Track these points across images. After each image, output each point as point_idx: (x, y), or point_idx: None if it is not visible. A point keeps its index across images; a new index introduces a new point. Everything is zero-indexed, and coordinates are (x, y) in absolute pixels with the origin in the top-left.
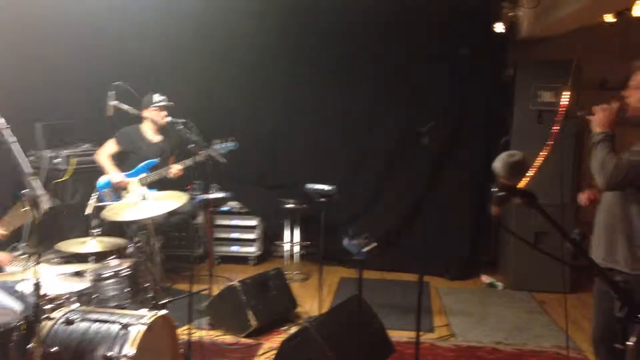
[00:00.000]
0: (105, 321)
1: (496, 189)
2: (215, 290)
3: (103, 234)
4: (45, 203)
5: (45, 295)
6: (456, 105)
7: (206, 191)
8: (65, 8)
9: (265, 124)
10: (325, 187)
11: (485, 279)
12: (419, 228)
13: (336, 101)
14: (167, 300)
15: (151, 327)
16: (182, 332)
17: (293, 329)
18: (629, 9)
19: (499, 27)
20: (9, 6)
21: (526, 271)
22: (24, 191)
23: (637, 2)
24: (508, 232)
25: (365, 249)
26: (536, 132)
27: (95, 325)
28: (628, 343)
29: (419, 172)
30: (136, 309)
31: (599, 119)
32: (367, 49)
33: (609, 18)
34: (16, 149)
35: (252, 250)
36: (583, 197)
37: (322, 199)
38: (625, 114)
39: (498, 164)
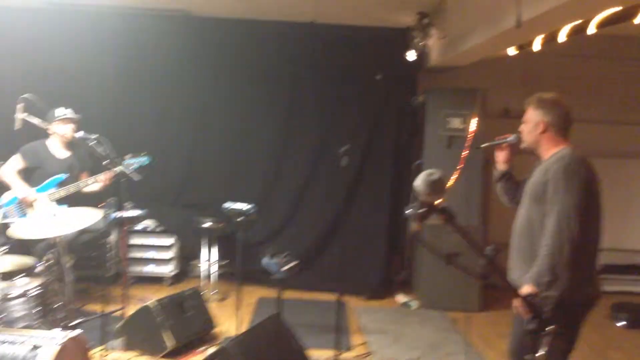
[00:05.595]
0: (13, 342)
1: (414, 207)
2: (130, 311)
3: (9, 252)
4: None
5: None
6: (368, 128)
7: (120, 209)
8: None
9: (181, 142)
10: (243, 206)
11: (400, 298)
12: (333, 248)
13: (253, 120)
14: (79, 321)
15: (63, 348)
16: (96, 354)
17: (210, 350)
18: (530, 44)
19: (411, 56)
20: None
21: (439, 291)
22: None
23: (536, 37)
24: (426, 248)
25: (285, 268)
26: (446, 156)
27: (2, 347)
28: (537, 355)
29: (333, 192)
30: (46, 330)
31: (497, 158)
32: (284, 70)
33: (511, 51)
34: None
35: (167, 270)
36: None
37: (240, 218)
38: (520, 145)
39: (418, 182)
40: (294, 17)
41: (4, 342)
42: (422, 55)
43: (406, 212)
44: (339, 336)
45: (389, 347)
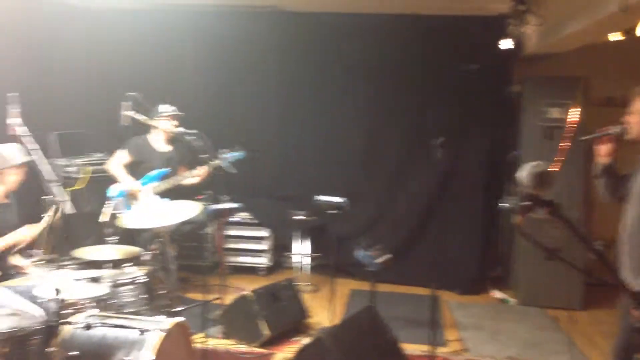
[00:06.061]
0: (124, 326)
1: (517, 200)
2: (227, 300)
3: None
4: (67, 209)
5: (64, 300)
6: (463, 120)
7: (217, 201)
8: (79, 21)
9: (274, 135)
10: (335, 199)
11: (496, 294)
12: (426, 241)
13: (345, 113)
14: (181, 308)
15: (169, 333)
16: (196, 340)
17: (305, 340)
18: (634, 29)
19: (506, 44)
20: (24, 18)
21: (538, 287)
22: (45, 197)
23: None
24: (529, 241)
25: (378, 261)
26: (545, 147)
27: (114, 330)
28: None
29: (426, 185)
30: (152, 316)
31: (599, 151)
32: (375, 63)
33: (614, 36)
34: (38, 156)
35: (262, 261)
36: None
37: (332, 211)
38: (625, 137)
39: (523, 173)
40: (386, 9)
41: (115, 326)
42: (519, 43)
43: (503, 204)
44: (433, 331)
45: (486, 344)
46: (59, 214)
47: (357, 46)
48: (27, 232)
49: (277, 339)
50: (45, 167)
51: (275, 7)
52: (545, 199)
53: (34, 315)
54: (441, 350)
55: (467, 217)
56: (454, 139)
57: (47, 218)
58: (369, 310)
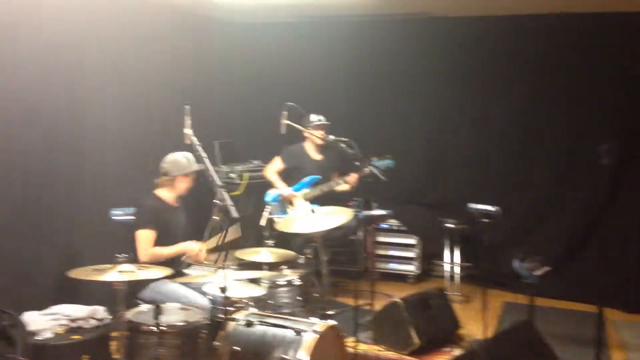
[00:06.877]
0: (281, 326)
1: None
2: (376, 306)
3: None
4: (233, 213)
5: (229, 298)
6: (633, 122)
7: (367, 208)
8: (238, 37)
9: (423, 142)
10: (489, 208)
11: None
12: (590, 254)
13: (499, 117)
14: (334, 312)
15: (322, 335)
16: (347, 344)
17: (457, 351)
18: None
19: None
20: (192, 38)
21: None
22: (215, 201)
23: None
24: None
25: (537, 273)
26: None
27: (272, 329)
28: None
29: (589, 193)
30: (306, 318)
31: None
32: (534, 64)
33: None
34: (207, 163)
35: (410, 268)
36: None
37: (485, 220)
38: None
39: None
40: (540, 10)
41: (273, 325)
42: None
43: None
44: (598, 351)
45: None
46: (226, 234)
47: (508, 49)
48: (192, 247)
49: (427, 348)
50: (214, 174)
51: (429, 12)
52: None
53: (203, 310)
54: None
55: (638, 229)
56: (623, 143)
57: (214, 240)
58: (527, 324)
